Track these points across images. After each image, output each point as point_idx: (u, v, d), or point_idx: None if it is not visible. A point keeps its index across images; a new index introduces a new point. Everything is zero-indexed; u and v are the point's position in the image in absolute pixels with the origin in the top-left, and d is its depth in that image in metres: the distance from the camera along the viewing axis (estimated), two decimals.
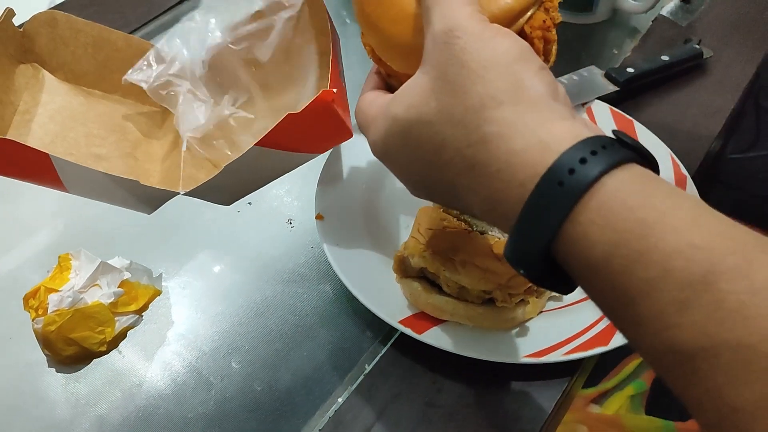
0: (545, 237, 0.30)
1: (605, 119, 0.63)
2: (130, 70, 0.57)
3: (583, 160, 0.29)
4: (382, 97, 0.40)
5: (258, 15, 0.58)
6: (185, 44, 0.57)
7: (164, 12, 0.78)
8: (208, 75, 0.58)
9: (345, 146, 0.59)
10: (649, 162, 0.31)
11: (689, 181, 0.56)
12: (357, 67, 0.74)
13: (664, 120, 0.65)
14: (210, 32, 0.57)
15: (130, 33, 0.75)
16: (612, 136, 0.31)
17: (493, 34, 0.34)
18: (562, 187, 0.29)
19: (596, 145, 0.29)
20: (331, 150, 0.59)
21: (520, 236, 0.31)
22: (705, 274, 0.25)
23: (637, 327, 0.28)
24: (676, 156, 0.58)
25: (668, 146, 0.59)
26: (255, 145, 0.49)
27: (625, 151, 0.30)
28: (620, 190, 0.28)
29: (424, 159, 0.36)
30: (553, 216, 0.29)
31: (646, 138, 0.60)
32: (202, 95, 0.56)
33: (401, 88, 0.37)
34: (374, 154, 0.40)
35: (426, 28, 0.36)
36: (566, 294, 0.33)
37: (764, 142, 1.43)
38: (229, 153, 0.56)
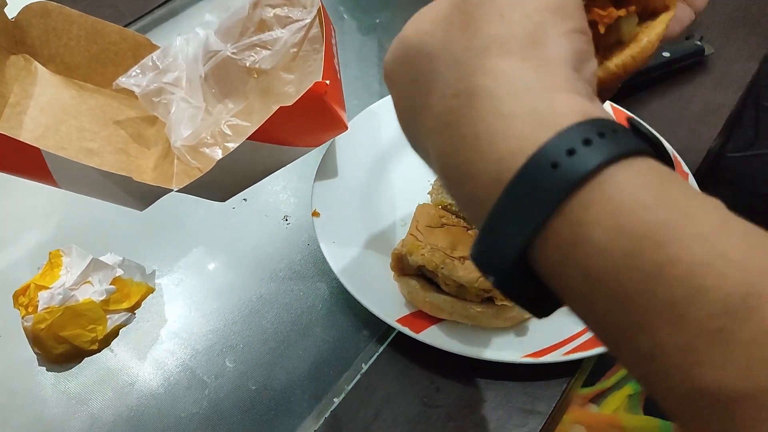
0: (525, 233, 0.23)
1: None
2: (121, 76, 0.56)
3: (587, 142, 0.23)
4: None
5: (262, 25, 0.57)
6: (183, 54, 0.56)
7: (159, 6, 0.77)
8: (205, 83, 0.57)
9: (341, 141, 0.59)
10: (665, 157, 0.25)
11: (691, 179, 0.56)
12: (353, 63, 0.74)
13: (665, 117, 0.64)
14: (211, 43, 0.56)
15: (125, 26, 0.74)
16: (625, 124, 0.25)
17: None
18: (556, 171, 0.22)
19: (606, 128, 0.23)
20: (327, 145, 0.58)
21: (492, 229, 0.24)
22: (744, 297, 0.20)
23: (652, 362, 0.22)
24: (678, 153, 0.57)
25: (669, 143, 0.58)
26: (247, 139, 0.48)
27: (638, 140, 0.24)
28: (633, 184, 0.22)
29: (413, 96, 0.30)
30: (540, 208, 0.23)
31: None
32: (195, 102, 0.55)
33: (424, 8, 0.31)
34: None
35: None
36: (541, 317, 0.27)
37: (763, 141, 1.42)
38: None
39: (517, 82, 0.25)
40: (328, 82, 0.48)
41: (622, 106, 0.62)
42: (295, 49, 0.56)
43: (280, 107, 0.47)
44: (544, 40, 0.26)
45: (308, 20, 0.56)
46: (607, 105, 0.62)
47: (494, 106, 0.25)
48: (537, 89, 0.25)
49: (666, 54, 0.68)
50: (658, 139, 0.25)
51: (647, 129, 0.25)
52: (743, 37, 0.73)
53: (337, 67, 0.55)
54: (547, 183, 0.23)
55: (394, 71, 0.31)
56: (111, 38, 0.62)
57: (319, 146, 0.54)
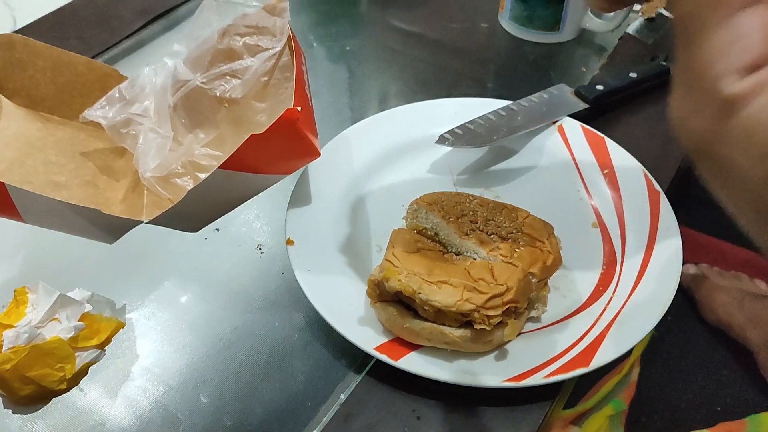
0: None
1: (577, 136, 0.62)
2: (88, 109, 0.55)
3: None
4: None
5: (231, 54, 0.56)
6: (151, 84, 0.56)
7: (126, 37, 0.77)
8: (175, 113, 0.56)
9: (314, 168, 0.58)
10: None
11: (663, 197, 0.56)
12: (325, 90, 0.73)
13: (635, 136, 0.65)
14: (180, 73, 0.56)
15: (92, 57, 0.73)
16: None
17: None
18: None
19: None
20: (300, 172, 0.58)
21: None
22: None
23: None
24: (649, 172, 0.58)
25: (640, 162, 0.59)
26: (219, 168, 0.47)
27: None
28: None
29: None
30: None
31: (618, 155, 0.60)
32: (164, 132, 0.54)
33: None
34: None
35: None
36: None
37: None
38: None
39: None
40: (299, 108, 0.48)
41: (593, 127, 0.63)
42: (266, 78, 0.55)
43: (252, 135, 0.46)
44: None
45: (278, 48, 0.55)
46: (579, 127, 0.63)
47: None
48: None
49: (633, 75, 0.69)
50: None
51: None
52: None
53: (308, 94, 0.55)
54: None
55: None
56: (78, 69, 0.61)
57: (291, 173, 0.53)
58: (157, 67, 0.58)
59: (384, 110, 0.65)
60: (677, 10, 0.29)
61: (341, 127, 0.62)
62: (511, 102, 0.65)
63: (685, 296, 1.19)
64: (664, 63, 0.71)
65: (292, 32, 0.57)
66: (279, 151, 0.50)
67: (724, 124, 0.27)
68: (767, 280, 1.22)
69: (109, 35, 0.77)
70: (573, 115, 0.65)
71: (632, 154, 0.60)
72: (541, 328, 0.49)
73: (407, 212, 0.53)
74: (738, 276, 1.20)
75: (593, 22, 0.76)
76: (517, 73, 0.75)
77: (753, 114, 0.26)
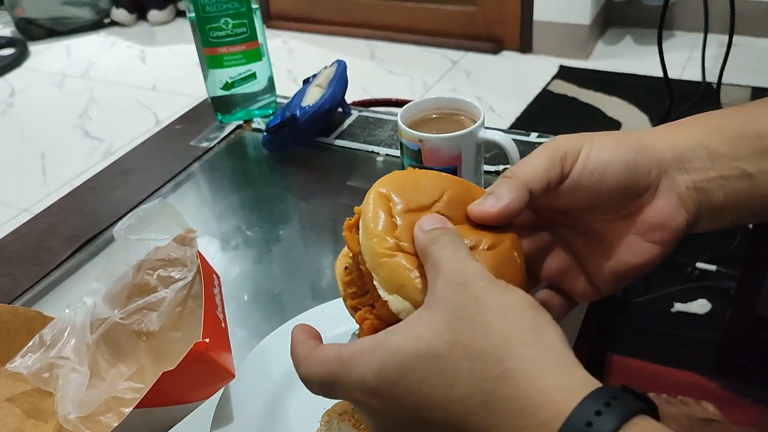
0: None
1: None
2: (9, 362, 0.58)
3: (607, 404, 0.31)
4: (347, 345, 0.38)
5: (146, 287, 0.60)
6: (71, 325, 0.59)
7: (54, 269, 0.81)
8: (97, 350, 0.59)
9: (234, 386, 0.60)
10: (654, 411, 0.33)
11: None
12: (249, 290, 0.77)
13: None
14: (99, 312, 0.59)
15: (22, 293, 0.77)
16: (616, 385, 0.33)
17: (505, 284, 0.37)
18: (591, 428, 0.30)
19: (615, 392, 0.32)
20: (221, 392, 0.60)
21: None
22: None
23: None
24: None
25: None
26: (135, 407, 0.49)
27: (635, 402, 0.32)
28: None
29: (426, 396, 0.34)
30: None
31: None
32: (83, 370, 0.57)
33: (401, 323, 0.36)
34: (356, 394, 0.36)
35: (435, 274, 0.37)
36: None
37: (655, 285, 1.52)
38: None
39: (541, 362, 0.33)
40: (207, 340, 0.51)
41: None
42: (180, 308, 0.59)
43: (164, 373, 0.49)
44: (542, 329, 0.34)
45: (189, 278, 0.60)
46: None
47: (532, 383, 0.32)
48: (555, 367, 0.33)
49: None
50: (647, 396, 0.33)
51: (636, 390, 0.33)
52: None
53: (220, 316, 0.58)
54: None
55: (384, 382, 0.35)
56: (2, 317, 0.64)
57: (210, 397, 0.55)
58: (78, 307, 0.61)
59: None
60: None
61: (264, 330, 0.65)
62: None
63: None
64: None
65: (201, 257, 0.61)
66: (194, 380, 0.53)
67: None
68: (713, 402, 1.24)
69: (39, 269, 0.80)
70: None
71: None
72: None
73: (320, 424, 0.55)
74: (685, 401, 1.22)
75: None
76: None
77: None
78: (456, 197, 0.44)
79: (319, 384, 0.38)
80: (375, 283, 0.41)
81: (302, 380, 0.40)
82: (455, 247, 0.38)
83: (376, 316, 0.42)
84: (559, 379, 0.32)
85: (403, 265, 0.40)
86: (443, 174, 0.46)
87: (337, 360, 0.37)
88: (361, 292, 0.44)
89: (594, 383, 0.32)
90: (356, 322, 0.43)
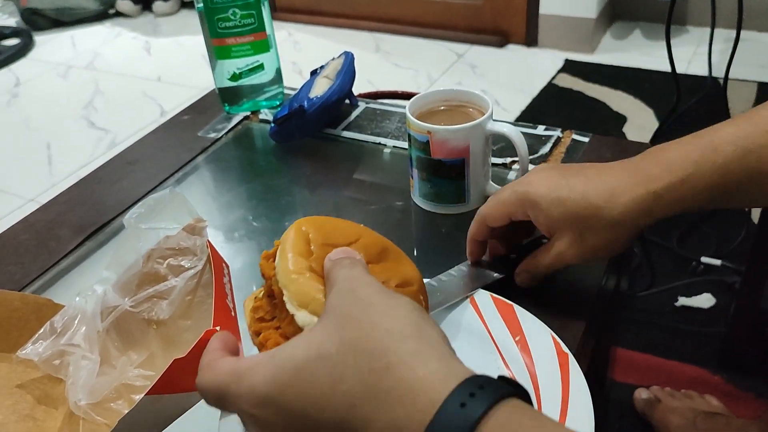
0: None
1: (488, 307, 0.66)
2: (21, 348, 0.58)
3: (480, 387, 0.34)
4: (245, 358, 0.40)
5: (156, 276, 0.61)
6: (82, 313, 0.59)
7: (63, 257, 0.81)
8: (107, 338, 0.60)
9: None
10: (526, 397, 0.36)
11: (571, 359, 0.60)
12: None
13: (543, 300, 0.69)
14: (109, 300, 0.60)
15: (31, 281, 0.77)
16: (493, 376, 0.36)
17: (393, 291, 0.41)
18: (465, 408, 0.33)
19: (483, 381, 0.35)
20: None
21: None
22: None
23: None
24: (557, 334, 0.62)
25: (550, 325, 0.63)
26: (146, 394, 0.50)
27: (507, 386, 0.35)
28: (514, 415, 0.33)
29: (315, 397, 0.36)
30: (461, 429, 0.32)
31: (526, 320, 0.64)
32: (94, 357, 0.57)
33: (298, 335, 0.40)
34: (244, 405, 0.38)
35: (330, 288, 0.42)
36: None
37: (659, 280, 1.52)
38: None
39: (422, 355, 0.36)
40: (218, 328, 0.52)
41: (505, 295, 0.67)
42: (190, 297, 0.60)
43: (174, 360, 0.50)
44: (424, 327, 0.38)
45: (199, 267, 0.60)
46: (489, 297, 0.68)
47: (412, 373, 0.35)
48: (436, 358, 0.36)
49: (545, 240, 0.75)
50: (519, 384, 0.37)
51: (510, 379, 0.37)
52: None
53: (230, 304, 0.59)
54: (461, 414, 0.33)
55: (275, 389, 0.37)
56: (13, 305, 0.64)
57: None
58: (88, 295, 0.62)
59: None
60: None
61: None
62: (431, 278, 0.70)
63: (641, 422, 1.21)
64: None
65: (211, 246, 0.61)
66: None
67: None
68: (717, 395, 1.25)
69: (47, 257, 0.81)
70: (490, 284, 0.69)
71: (542, 319, 0.64)
72: None
73: None
74: (689, 395, 1.23)
75: (496, 190, 0.83)
76: (432, 245, 0.80)
77: None
78: (371, 243, 0.51)
79: (212, 395, 0.40)
80: (285, 298, 0.45)
81: (198, 390, 0.41)
82: (352, 265, 0.43)
83: (281, 335, 0.46)
84: (438, 368, 0.35)
85: (311, 283, 0.45)
86: (361, 225, 0.54)
87: (232, 372, 0.39)
88: (268, 317, 0.49)
89: (470, 372, 0.35)
90: (254, 344, 0.48)
